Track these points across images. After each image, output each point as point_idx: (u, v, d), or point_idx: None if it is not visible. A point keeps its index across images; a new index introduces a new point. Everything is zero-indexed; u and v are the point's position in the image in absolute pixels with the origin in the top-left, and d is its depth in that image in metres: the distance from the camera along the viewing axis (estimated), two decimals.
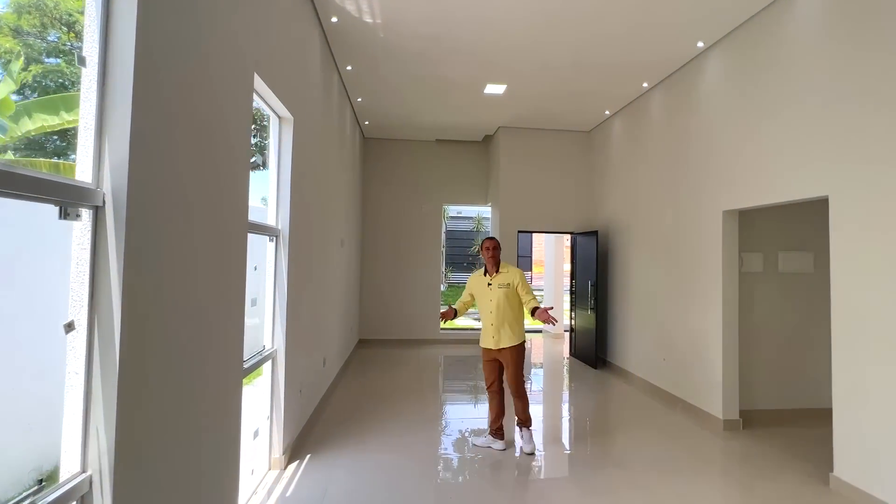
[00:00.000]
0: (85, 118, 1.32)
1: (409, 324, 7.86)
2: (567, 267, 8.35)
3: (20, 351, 1.31)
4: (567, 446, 3.79)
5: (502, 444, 3.52)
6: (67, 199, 1.20)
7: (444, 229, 20.12)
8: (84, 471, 1.26)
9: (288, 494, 2.79)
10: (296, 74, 3.24)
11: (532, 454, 3.47)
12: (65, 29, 1.69)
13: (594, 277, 6.45)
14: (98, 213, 1.29)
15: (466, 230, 20.22)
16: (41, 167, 1.66)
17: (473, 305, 3.73)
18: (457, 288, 18.37)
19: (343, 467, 3.17)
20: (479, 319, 3.73)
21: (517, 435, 3.66)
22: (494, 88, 5.55)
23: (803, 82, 3.34)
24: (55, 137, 1.74)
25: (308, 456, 3.31)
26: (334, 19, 3.96)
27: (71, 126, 1.57)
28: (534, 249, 18.73)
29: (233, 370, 2.19)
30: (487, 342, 3.51)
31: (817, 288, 4.43)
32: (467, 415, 4.48)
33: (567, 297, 8.42)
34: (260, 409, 3.01)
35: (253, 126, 2.75)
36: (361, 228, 7.76)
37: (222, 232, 2.00)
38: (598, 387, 5.48)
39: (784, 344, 4.45)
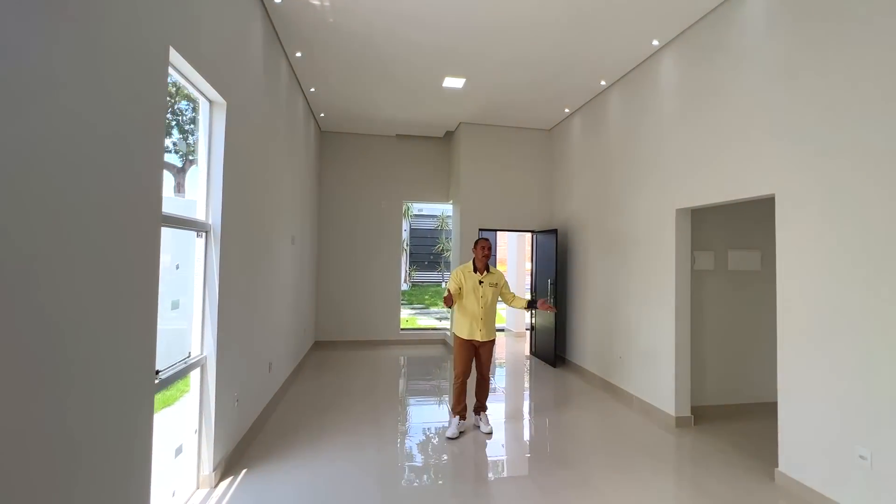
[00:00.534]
0: None
1: (369, 324, 7.61)
2: (529, 265, 8.34)
3: None
4: (521, 448, 3.70)
5: (464, 423, 3.95)
6: None
7: (407, 227, 19.93)
8: None
9: None
10: (228, 55, 2.97)
11: (490, 434, 3.87)
12: None
13: (554, 276, 6.43)
14: None
15: (430, 228, 20.04)
16: None
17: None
18: (420, 288, 18.18)
19: (285, 482, 2.94)
20: (440, 319, 3.93)
21: (476, 419, 4.01)
22: (453, 82, 5.41)
23: (750, 81, 3.37)
24: None
25: (244, 471, 3.05)
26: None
27: None
28: (498, 248, 18.82)
29: (141, 382, 1.93)
30: (474, 334, 3.83)
31: (764, 285, 4.55)
32: (428, 419, 4.31)
33: (528, 296, 8.41)
34: (187, 422, 2.73)
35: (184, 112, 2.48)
36: (317, 225, 7.44)
37: (124, 225, 1.74)
38: (557, 386, 5.44)
39: (733, 340, 4.54)
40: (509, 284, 4.09)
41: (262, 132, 3.80)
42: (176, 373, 2.42)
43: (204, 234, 2.80)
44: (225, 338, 2.96)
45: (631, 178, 4.89)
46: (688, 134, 4.03)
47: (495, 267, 4.11)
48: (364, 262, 7.65)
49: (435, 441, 3.75)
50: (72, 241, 1.46)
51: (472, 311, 3.82)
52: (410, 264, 19.81)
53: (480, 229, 6.99)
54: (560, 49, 4.51)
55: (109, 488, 1.70)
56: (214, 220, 2.85)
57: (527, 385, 5.65)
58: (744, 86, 3.43)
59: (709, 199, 3.75)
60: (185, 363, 2.56)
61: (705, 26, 3.84)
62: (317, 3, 3.76)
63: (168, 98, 2.12)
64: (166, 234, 2.30)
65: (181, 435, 2.65)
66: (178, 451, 2.58)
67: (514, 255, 9.60)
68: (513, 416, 4.43)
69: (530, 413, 4.60)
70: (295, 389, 5.00)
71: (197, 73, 2.47)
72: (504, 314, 9.82)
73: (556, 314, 6.35)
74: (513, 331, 9.15)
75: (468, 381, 3.94)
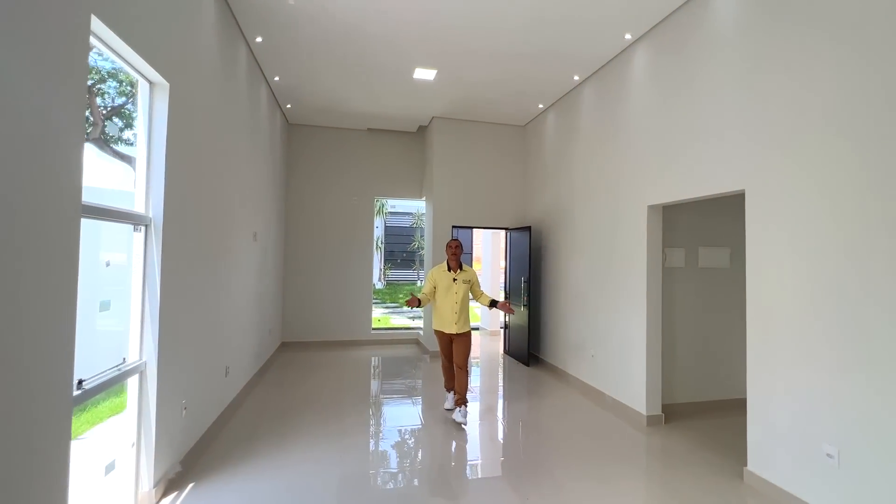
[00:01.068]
0: None
1: (339, 324, 7.37)
2: (504, 263, 8.25)
3: None
4: (493, 450, 3.57)
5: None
6: None
7: (382, 225, 19.61)
8: None
9: None
10: (171, 33, 2.72)
11: (463, 425, 4.03)
12: None
13: (527, 273, 6.35)
14: None
15: (406, 226, 19.79)
16: None
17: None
18: (396, 286, 17.92)
19: (237, 495, 2.72)
20: (413, 318, 3.89)
21: (455, 413, 4.06)
22: (424, 73, 5.24)
23: (720, 76, 3.33)
24: None
25: (191, 485, 2.82)
26: None
27: None
28: (473, 246, 18.74)
29: (56, 394, 1.70)
30: (449, 327, 4.10)
31: (733, 283, 4.56)
32: (399, 422, 4.14)
33: (502, 294, 8.33)
34: (123, 435, 2.49)
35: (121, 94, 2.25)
36: (285, 221, 7.15)
37: (34, 215, 1.51)
38: (530, 385, 5.36)
39: (703, 338, 4.54)
40: (480, 283, 4.45)
41: (216, 120, 3.54)
42: (105, 381, 2.18)
43: (143, 228, 2.56)
44: (169, 341, 2.72)
45: (603, 175, 4.84)
46: (659, 129, 3.98)
47: (469, 265, 4.43)
48: (334, 260, 7.41)
49: (406, 446, 3.59)
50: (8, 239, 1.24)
51: (446, 306, 4.12)
52: (385, 262, 19.54)
53: (454, 227, 6.85)
54: (532, 42, 4.40)
55: None
56: (156, 212, 2.60)
57: (500, 385, 5.54)
58: (715, 80, 3.39)
59: (680, 195, 3.71)
60: (119, 370, 2.32)
61: (677, 20, 3.80)
62: None
63: (110, 79, 1.89)
64: (91, 226, 2.07)
65: (115, 449, 2.40)
66: (110, 468, 2.34)
67: (489, 254, 9.51)
68: (484, 418, 4.31)
69: (503, 414, 4.49)
70: (257, 394, 4.75)
71: (130, 50, 2.23)
72: (478, 312, 9.73)
73: (529, 313, 6.28)
74: (487, 329, 9.06)
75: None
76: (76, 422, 1.95)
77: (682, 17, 3.73)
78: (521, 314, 6.52)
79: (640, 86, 4.28)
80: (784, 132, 2.83)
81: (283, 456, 3.26)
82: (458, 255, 4.16)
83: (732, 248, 4.59)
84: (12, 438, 1.48)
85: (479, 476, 3.16)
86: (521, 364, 6.37)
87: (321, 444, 3.49)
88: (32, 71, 1.53)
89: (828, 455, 2.50)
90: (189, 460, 3.06)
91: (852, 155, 2.44)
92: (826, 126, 2.58)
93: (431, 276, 4.22)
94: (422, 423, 4.09)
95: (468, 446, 3.65)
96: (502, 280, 8.46)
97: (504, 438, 3.88)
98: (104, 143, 2.62)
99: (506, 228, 7.16)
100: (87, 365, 2.02)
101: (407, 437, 3.78)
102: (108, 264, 2.25)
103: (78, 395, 1.93)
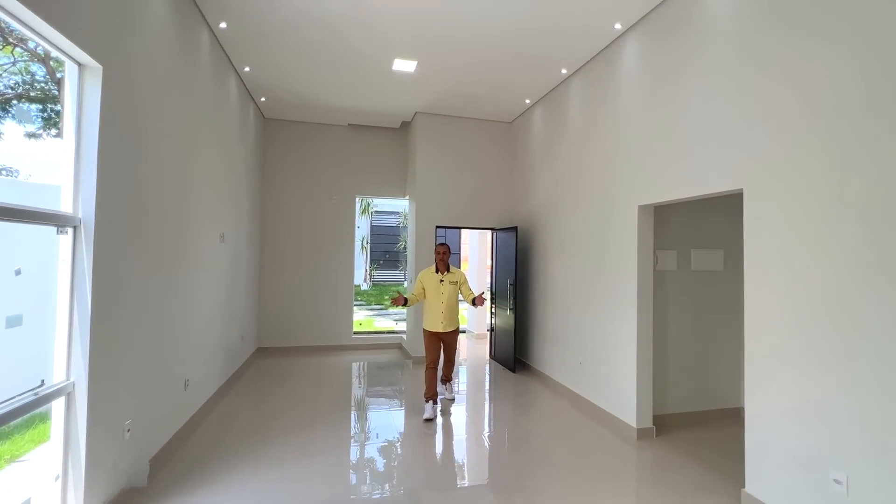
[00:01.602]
0: None
1: (319, 328, 7.06)
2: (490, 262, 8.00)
3: None
4: (478, 467, 3.31)
5: (438, 406, 4.43)
6: None
7: (368, 224, 19.21)
8: None
9: None
10: (104, 9, 2.41)
11: (452, 400, 4.67)
12: None
13: (514, 275, 6.11)
14: None
15: (392, 226, 19.45)
16: None
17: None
18: (382, 287, 17.57)
19: None
20: (399, 321, 3.96)
21: (441, 389, 4.50)
22: (404, 65, 4.95)
23: (716, 69, 3.10)
24: None
25: None
26: None
27: None
28: (461, 246, 18.51)
29: None
30: (437, 326, 4.35)
31: (727, 286, 4.35)
32: (383, 434, 3.86)
33: (488, 296, 8.09)
34: (45, 468, 2.18)
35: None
36: (260, 221, 6.81)
37: None
38: (516, 394, 5.11)
39: (696, 344, 4.32)
40: (468, 283, 4.53)
41: (168, 110, 3.22)
42: (16, 408, 1.87)
43: (70, 230, 2.25)
44: (103, 358, 2.41)
45: (591, 173, 4.60)
46: (651, 125, 3.75)
47: (458, 266, 4.71)
48: (315, 262, 7.09)
49: (382, 463, 3.31)
50: None
51: (434, 306, 4.35)
52: (371, 263, 19.20)
53: (438, 227, 6.57)
54: (517, 31, 4.14)
55: None
56: (86, 212, 2.29)
57: (485, 393, 5.28)
58: (708, 74, 3.16)
59: (673, 194, 3.48)
60: (37, 394, 2.01)
61: (668, 9, 3.56)
62: None
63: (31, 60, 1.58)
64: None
65: (33, 486, 2.09)
66: None
67: (476, 254, 9.25)
68: (470, 432, 4.04)
69: (487, 426, 4.22)
70: (225, 405, 4.43)
71: (46, 24, 1.92)
72: (466, 314, 9.48)
73: (515, 316, 6.03)
74: (474, 332, 8.81)
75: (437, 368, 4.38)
76: None
77: (674, 4, 3.50)
78: (507, 318, 6.27)
79: (629, 79, 4.04)
80: (786, 127, 2.60)
81: (250, 476, 2.96)
82: (445, 260, 4.39)
83: (727, 249, 4.37)
84: None
85: (462, 499, 2.90)
86: (507, 370, 6.12)
87: (300, 459, 3.20)
88: None
89: (835, 481, 2.28)
90: (132, 490, 2.74)
91: (859, 150, 2.21)
92: (829, 121, 2.35)
93: (420, 277, 4.48)
94: (400, 437, 3.82)
95: (451, 464, 3.39)
96: (489, 280, 8.21)
97: (488, 455, 3.61)
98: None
99: (492, 229, 6.90)
100: None
101: (385, 453, 3.50)
102: (18, 272, 1.94)
103: None
